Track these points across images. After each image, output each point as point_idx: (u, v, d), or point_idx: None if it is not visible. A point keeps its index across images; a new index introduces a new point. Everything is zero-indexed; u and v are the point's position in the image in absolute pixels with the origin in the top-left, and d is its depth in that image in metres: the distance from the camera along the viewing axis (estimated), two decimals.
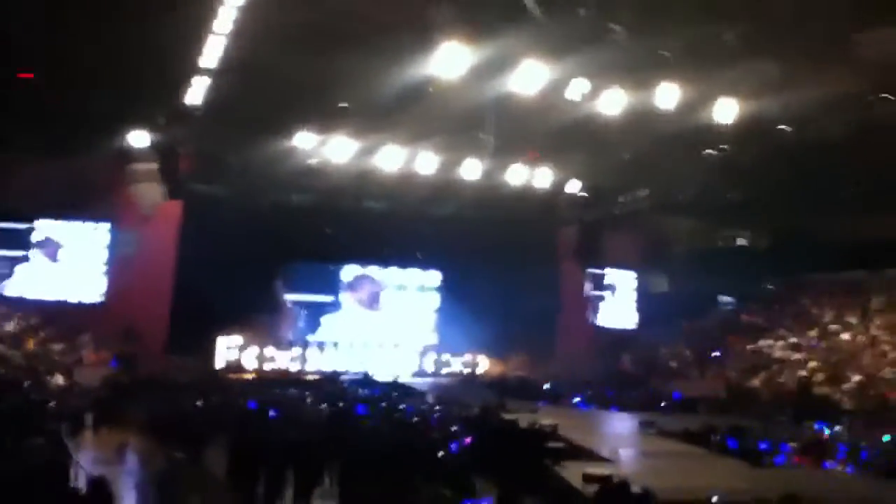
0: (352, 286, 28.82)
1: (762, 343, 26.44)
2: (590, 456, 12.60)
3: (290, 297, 27.83)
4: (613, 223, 28.81)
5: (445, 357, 28.41)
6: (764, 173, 22.73)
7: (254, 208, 24.81)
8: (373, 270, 29.02)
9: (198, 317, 23.52)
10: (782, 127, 19.75)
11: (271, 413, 14.74)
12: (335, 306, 28.48)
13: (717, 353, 27.00)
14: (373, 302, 28.97)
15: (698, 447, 14.60)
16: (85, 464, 10.17)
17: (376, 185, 25.08)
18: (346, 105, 20.58)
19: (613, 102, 18.17)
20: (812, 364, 23.78)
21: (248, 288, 24.85)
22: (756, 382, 24.12)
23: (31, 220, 24.48)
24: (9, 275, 24.06)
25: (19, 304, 23.20)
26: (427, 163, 23.78)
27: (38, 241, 24.50)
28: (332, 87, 19.04)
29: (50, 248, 24.62)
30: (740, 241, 32.32)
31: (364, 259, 28.71)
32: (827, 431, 16.74)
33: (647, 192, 26.55)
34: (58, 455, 8.71)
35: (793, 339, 25.78)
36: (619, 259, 31.29)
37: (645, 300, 31.80)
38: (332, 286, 28.52)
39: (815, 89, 17.08)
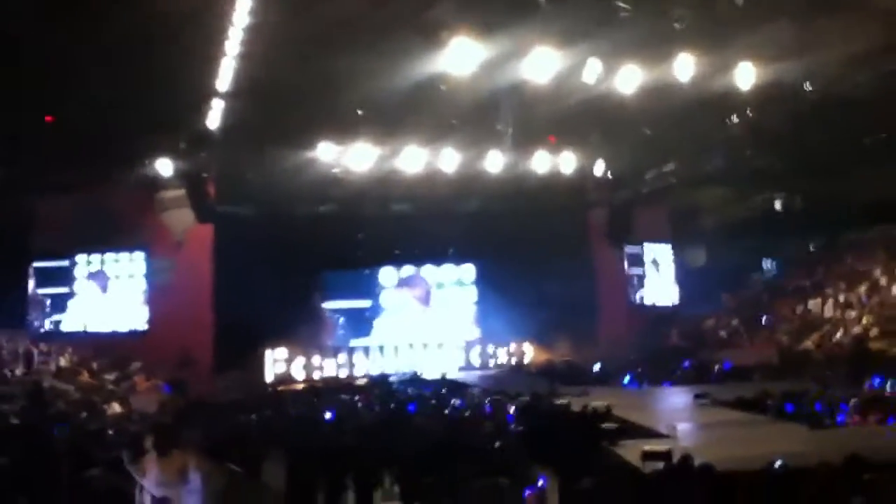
0: (408, 284, 28.88)
1: (811, 304, 25.93)
2: (647, 433, 12.44)
3: (329, 305, 28.09)
4: (643, 200, 28.47)
5: (490, 349, 28.40)
6: (792, 135, 22.29)
7: (282, 223, 25.13)
8: (408, 271, 29.10)
9: (241, 334, 23.93)
10: (806, 89, 19.37)
11: (325, 419, 14.86)
12: (375, 310, 28.64)
13: (766, 319, 26.55)
14: (427, 299, 29.09)
15: (755, 414, 14.36)
16: (149, 487, 10.37)
17: (401, 187, 25.15)
18: (361, 112, 20.69)
19: (630, 80, 17.96)
20: (865, 321, 23.26)
21: (286, 301, 25.24)
22: (808, 344, 23.66)
23: (71, 257, 25.12)
24: (58, 311, 24.72)
25: (69, 339, 23.79)
26: (449, 160, 23.77)
27: (87, 275, 25.18)
28: (346, 94, 19.16)
29: (101, 280, 25.31)
30: (775, 206, 31.73)
31: (397, 261, 28.83)
32: (887, 387, 16.32)
33: (674, 167, 26.17)
34: (120, 481, 8.87)
35: (842, 298, 25.23)
36: (654, 235, 30.94)
37: (685, 274, 31.40)
38: (369, 291, 28.69)
39: (837, 45, 16.68)
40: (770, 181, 28.42)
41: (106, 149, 20.96)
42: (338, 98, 19.15)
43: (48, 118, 20.05)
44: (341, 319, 28.18)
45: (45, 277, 24.90)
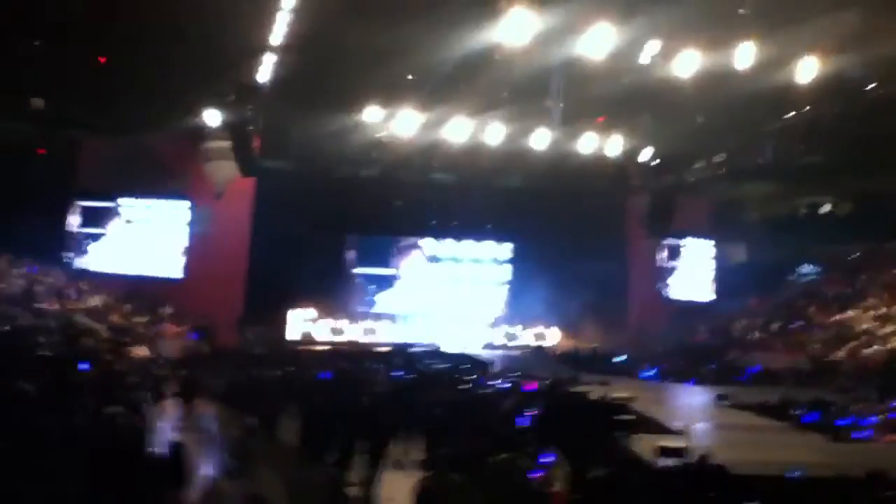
0: (401, 252, 28.81)
1: (848, 313, 25.31)
2: (663, 429, 12.34)
3: (362, 271, 28.21)
4: (687, 190, 27.92)
5: (516, 329, 28.31)
6: (847, 134, 21.59)
7: (323, 183, 25.20)
8: (448, 244, 29.00)
9: (271, 290, 24.22)
10: (867, 86, 18.71)
11: (343, 382, 14.98)
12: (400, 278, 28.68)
13: (800, 324, 26.01)
14: (420, 270, 28.75)
15: (776, 420, 14.14)
16: (166, 430, 10.55)
17: (443, 157, 25.01)
18: (411, 78, 20.51)
19: (687, 64, 17.50)
20: None
21: (318, 262, 25.43)
22: (841, 354, 23.14)
23: (115, 198, 25.57)
24: (97, 251, 25.24)
25: (105, 279, 24.28)
26: (495, 133, 23.52)
27: (129, 218, 25.60)
28: (397, 59, 18.94)
29: (126, 226, 25.65)
30: (822, 208, 30.90)
31: (438, 232, 28.77)
32: None
33: (723, 157, 25.54)
34: (138, 421, 9.04)
35: (882, 310, 24.57)
36: (694, 228, 30.41)
37: (722, 270, 30.86)
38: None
39: None
40: (819, 181, 27.64)
41: (155, 95, 21.18)
42: (389, 62, 18.96)
43: (101, 59, 20.25)
44: (374, 286, 28.28)
45: (89, 216, 25.40)
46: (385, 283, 28.47)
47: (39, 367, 11.43)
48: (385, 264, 28.50)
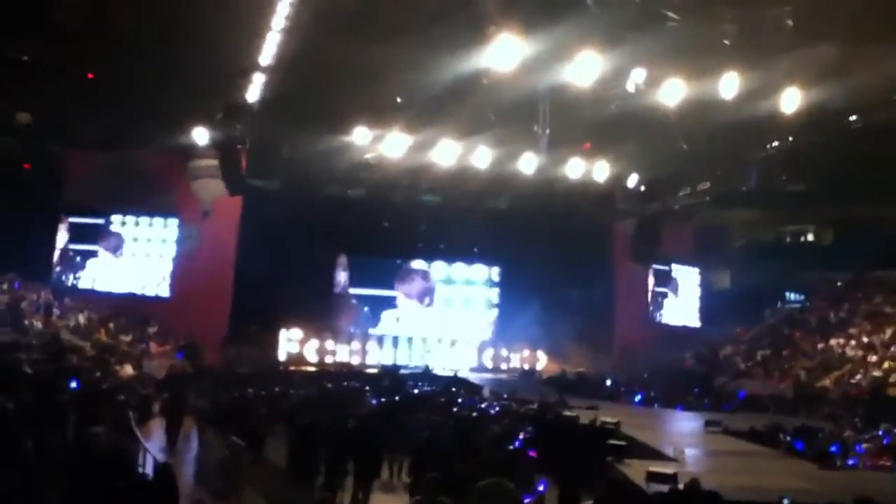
0: (401, 280, 28.86)
1: (833, 342, 25.47)
2: (653, 454, 12.30)
3: (353, 292, 28.12)
4: (672, 217, 28.13)
5: (504, 352, 28.27)
6: (829, 163, 21.88)
7: (310, 203, 25.15)
8: (439, 266, 29.03)
9: (258, 310, 24.05)
10: (849, 116, 19.01)
11: (330, 403, 14.86)
12: (394, 301, 28.63)
13: (785, 352, 26.12)
14: (424, 296, 28.91)
15: (766, 447, 14.14)
16: (153, 451, 10.41)
17: (431, 179, 25.06)
18: (400, 100, 20.59)
19: (673, 92, 17.70)
20: (887, 365, 22.80)
21: (306, 281, 25.31)
22: (826, 382, 23.25)
23: (106, 215, 25.40)
24: (86, 268, 25.02)
25: (93, 296, 24.05)
26: (482, 156, 23.62)
27: (104, 237, 25.39)
28: (385, 81, 19.03)
29: (112, 242, 25.48)
30: (805, 236, 31.24)
31: (428, 255, 28.78)
32: None
33: (708, 185, 25.78)
34: (123, 441, 8.89)
35: (865, 339, 24.75)
36: (679, 254, 30.59)
37: (708, 297, 31.02)
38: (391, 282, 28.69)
39: (880, 75, 16.33)
40: (803, 209, 27.98)
41: (144, 111, 21.12)
42: (378, 83, 19.02)
43: (90, 74, 20.19)
44: (365, 307, 28.19)
45: (79, 233, 25.20)
46: (380, 305, 28.36)
47: (21, 386, 11.22)
48: (379, 286, 28.39)
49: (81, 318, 21.31)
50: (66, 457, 7.69)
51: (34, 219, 23.05)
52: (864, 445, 14.09)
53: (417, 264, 28.92)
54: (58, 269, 24.80)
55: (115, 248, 25.55)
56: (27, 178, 23.42)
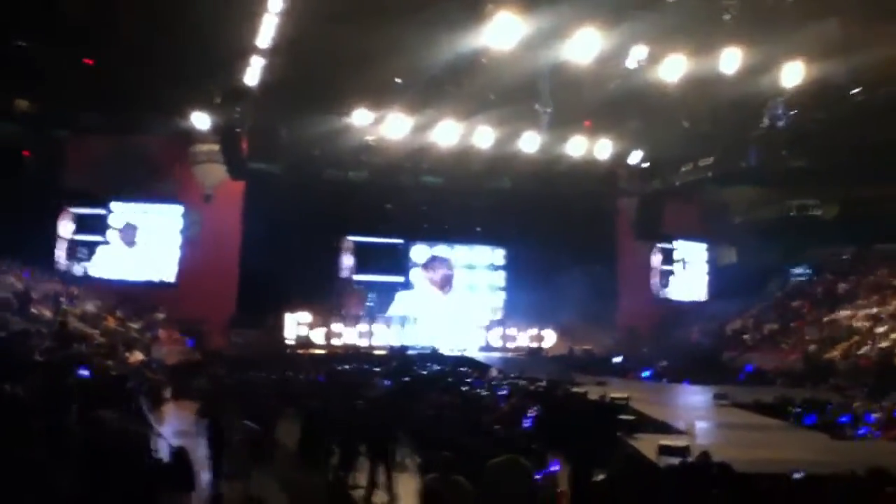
0: (426, 267, 28.95)
1: (840, 314, 25.44)
2: (664, 428, 12.32)
3: (359, 277, 28.12)
4: (676, 194, 28.01)
5: (511, 332, 28.32)
6: (832, 139, 21.72)
7: (312, 186, 25.17)
8: (441, 250, 29.02)
9: (264, 293, 24.11)
10: (852, 91, 18.82)
11: (339, 385, 14.90)
12: (406, 286, 28.66)
13: (792, 325, 26.11)
14: (445, 284, 29.13)
15: (776, 419, 14.15)
16: (166, 436, 10.47)
17: (433, 159, 25.00)
18: (400, 81, 20.46)
19: (674, 69, 17.57)
20: (894, 336, 22.77)
21: (311, 265, 25.35)
22: (835, 354, 23.26)
23: (106, 204, 25.36)
24: (89, 257, 25.03)
25: (100, 284, 24.09)
26: (484, 136, 23.53)
27: (116, 226, 25.38)
28: (385, 62, 18.93)
29: (128, 232, 25.52)
30: (810, 211, 31.09)
31: (432, 239, 28.75)
32: None
33: (711, 161, 25.63)
34: (133, 425, 8.92)
35: (873, 310, 24.72)
36: (684, 231, 30.56)
37: (715, 272, 31.00)
38: (402, 265, 28.70)
39: (883, 49, 16.15)
40: (807, 184, 27.84)
41: (143, 96, 21.05)
42: (377, 65, 18.92)
43: (88, 60, 20.10)
44: (372, 290, 28.20)
45: (82, 223, 25.20)
46: (387, 288, 28.33)
47: (32, 372, 11.27)
48: (386, 271, 28.34)
49: (90, 307, 21.36)
50: (76, 442, 7.72)
51: (36, 207, 23.02)
52: (875, 416, 14.07)
53: (440, 251, 28.94)
54: (65, 258, 24.81)
55: (130, 240, 25.59)
56: (27, 165, 23.38)
